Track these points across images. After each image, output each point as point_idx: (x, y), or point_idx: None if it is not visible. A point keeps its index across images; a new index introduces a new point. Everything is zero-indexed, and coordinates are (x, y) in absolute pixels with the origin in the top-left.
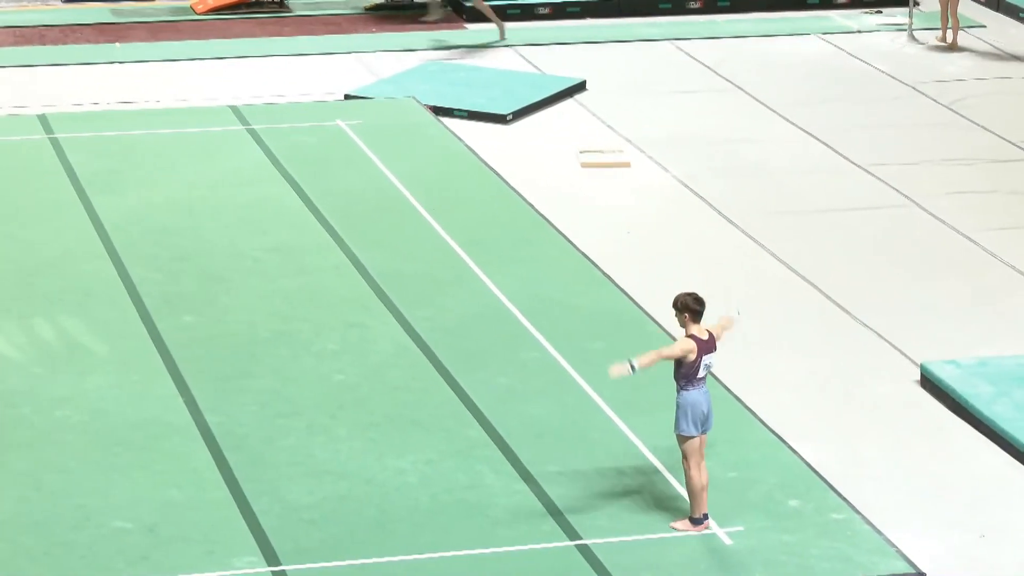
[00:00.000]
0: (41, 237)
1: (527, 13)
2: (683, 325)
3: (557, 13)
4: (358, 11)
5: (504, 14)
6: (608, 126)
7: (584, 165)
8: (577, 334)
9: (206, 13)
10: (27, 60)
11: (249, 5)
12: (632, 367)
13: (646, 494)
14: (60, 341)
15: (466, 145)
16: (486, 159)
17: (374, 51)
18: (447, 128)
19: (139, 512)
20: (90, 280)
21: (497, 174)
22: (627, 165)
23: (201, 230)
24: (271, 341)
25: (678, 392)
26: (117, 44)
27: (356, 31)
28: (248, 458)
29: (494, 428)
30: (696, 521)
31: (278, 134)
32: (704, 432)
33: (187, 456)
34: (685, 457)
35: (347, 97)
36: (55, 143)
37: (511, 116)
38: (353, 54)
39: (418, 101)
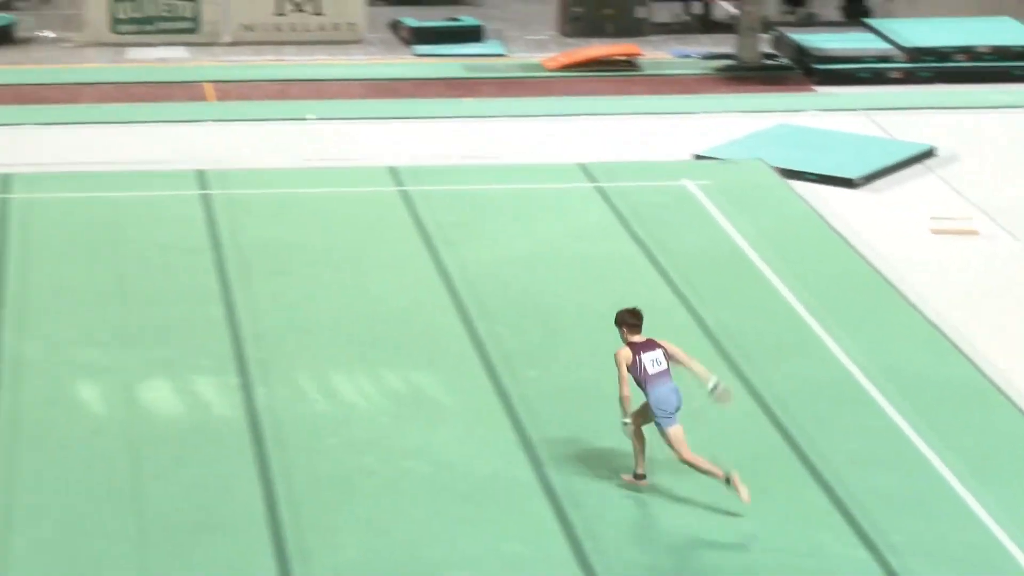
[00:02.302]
0: (389, 288)
1: (878, 77)
2: (624, 338)
3: (908, 78)
4: (708, 72)
5: (855, 78)
6: (957, 192)
7: (934, 232)
8: (923, 403)
9: (556, 70)
10: (379, 112)
11: (599, 63)
12: (624, 423)
13: (992, 569)
14: (407, 392)
15: (813, 208)
16: (833, 223)
17: (723, 112)
18: (795, 191)
19: (483, 566)
20: (437, 332)
21: (843, 238)
22: (975, 233)
23: (547, 285)
24: (613, 399)
25: (646, 396)
26: (466, 99)
27: (706, 91)
28: (590, 515)
29: (837, 495)
30: (727, 481)
31: (625, 192)
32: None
33: (530, 511)
34: (674, 448)
35: (695, 157)
36: (405, 195)
37: (860, 180)
38: (702, 114)
39: (766, 163)
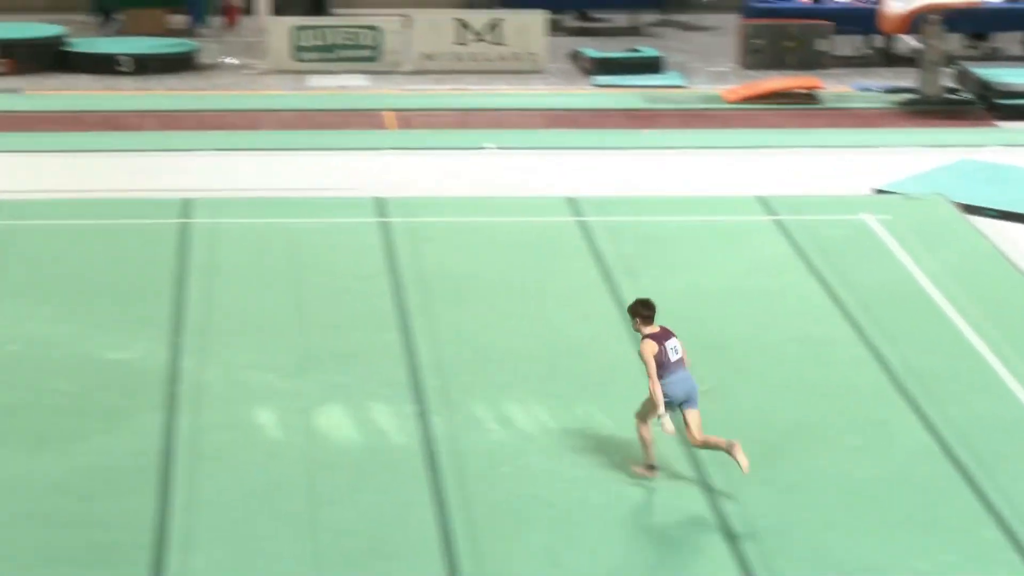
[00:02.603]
0: (567, 319)
1: None
2: (637, 329)
3: None
4: (890, 106)
5: None
6: None
7: None
8: None
9: (736, 102)
10: (558, 143)
11: (780, 96)
12: (659, 416)
13: None
14: (584, 423)
15: (995, 245)
16: (1015, 259)
17: (904, 147)
18: (976, 227)
19: None
20: (614, 363)
21: None
22: None
23: (724, 318)
24: (791, 433)
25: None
26: (646, 131)
27: (887, 126)
28: (763, 548)
29: (1015, 533)
30: (730, 445)
31: (804, 226)
32: (687, 408)
33: (707, 546)
34: (643, 409)
35: (876, 192)
36: (583, 226)
37: None
38: (883, 149)
39: (948, 198)
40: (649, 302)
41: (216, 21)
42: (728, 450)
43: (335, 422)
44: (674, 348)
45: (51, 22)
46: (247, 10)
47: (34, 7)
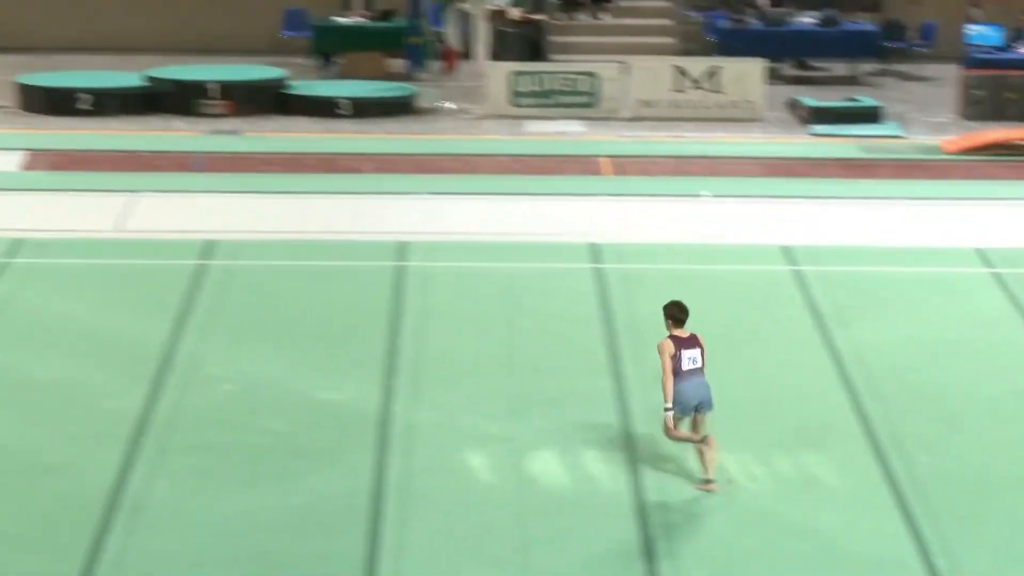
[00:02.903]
0: (780, 368)
1: None
2: (668, 328)
3: None
4: None
5: None
6: None
7: None
8: None
9: (956, 153)
10: (774, 191)
11: (1000, 147)
12: (666, 410)
13: None
14: (794, 473)
15: None
16: None
17: None
18: None
19: None
20: (827, 413)
21: None
22: None
23: (941, 370)
24: (1006, 488)
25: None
26: (863, 180)
27: None
28: None
29: None
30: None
31: (1022, 280)
32: (701, 412)
33: None
34: (667, 433)
35: None
36: (797, 275)
37: None
38: None
39: None
40: (683, 305)
41: (435, 66)
42: (703, 461)
43: (546, 467)
44: (692, 358)
45: (272, 64)
46: (466, 55)
47: (256, 49)
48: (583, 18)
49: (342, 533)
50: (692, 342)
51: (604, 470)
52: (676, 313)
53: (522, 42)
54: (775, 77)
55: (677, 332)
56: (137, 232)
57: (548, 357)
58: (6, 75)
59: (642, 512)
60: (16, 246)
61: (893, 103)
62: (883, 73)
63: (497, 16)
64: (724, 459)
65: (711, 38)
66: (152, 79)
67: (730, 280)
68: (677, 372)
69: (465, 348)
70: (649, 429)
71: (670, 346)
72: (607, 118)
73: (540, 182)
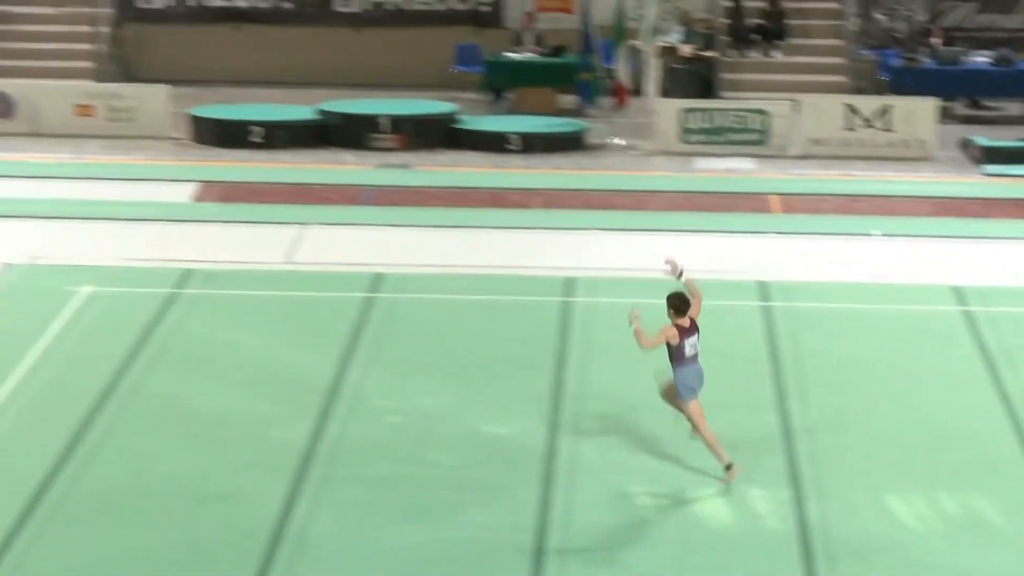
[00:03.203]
0: (948, 409)
1: None
2: (670, 317)
3: None
4: None
5: None
6: None
7: None
8: None
9: None
10: (946, 231)
11: None
12: (632, 320)
13: None
14: (963, 516)
15: None
16: None
17: None
18: None
19: None
20: (996, 456)
21: None
22: None
23: None
24: None
25: (673, 370)
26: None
27: None
28: None
29: None
30: (727, 467)
31: None
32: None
33: None
34: (693, 422)
35: None
36: (968, 315)
37: None
38: None
39: None
40: (684, 296)
41: (605, 102)
42: (716, 452)
43: (710, 504)
44: (693, 345)
45: (443, 99)
46: (636, 91)
47: (427, 84)
48: (754, 55)
49: (507, 567)
50: (692, 329)
51: (769, 508)
52: (679, 304)
53: (692, 79)
54: (947, 116)
55: (679, 321)
56: (305, 264)
57: (714, 394)
58: (180, 107)
59: (807, 550)
60: (186, 276)
61: None
62: None
63: (668, 53)
64: (892, 500)
65: (883, 76)
66: (323, 112)
67: (899, 320)
68: (681, 358)
69: (630, 384)
70: (814, 468)
71: (674, 334)
72: (777, 156)
73: (709, 219)
